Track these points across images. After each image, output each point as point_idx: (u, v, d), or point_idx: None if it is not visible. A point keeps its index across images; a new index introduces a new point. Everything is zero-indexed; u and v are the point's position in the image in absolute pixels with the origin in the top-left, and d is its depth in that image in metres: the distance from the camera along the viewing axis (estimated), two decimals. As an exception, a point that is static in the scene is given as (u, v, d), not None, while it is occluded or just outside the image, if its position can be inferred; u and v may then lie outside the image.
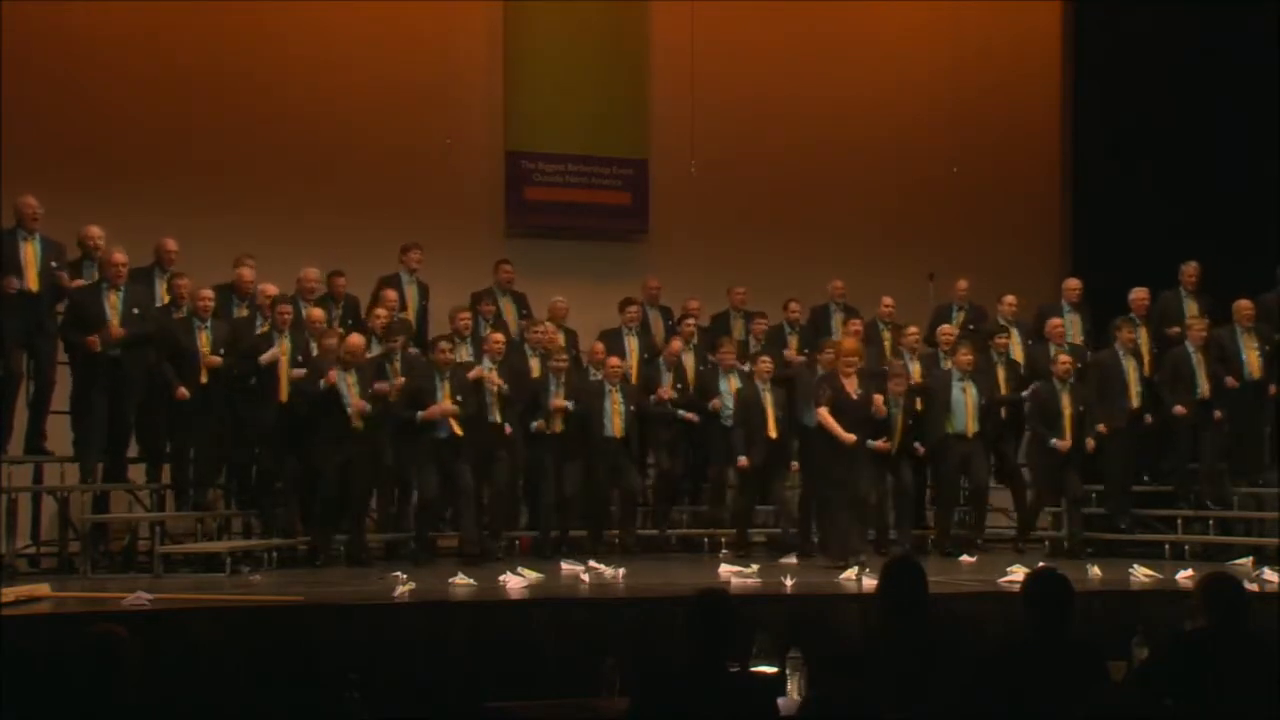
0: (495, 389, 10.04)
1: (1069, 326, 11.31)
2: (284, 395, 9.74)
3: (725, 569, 9.13)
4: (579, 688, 5.57)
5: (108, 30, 11.89)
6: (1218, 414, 10.49)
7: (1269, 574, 8.62)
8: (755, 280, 12.27)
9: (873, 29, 14.11)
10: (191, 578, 8.99)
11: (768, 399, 10.62)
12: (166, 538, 9.48)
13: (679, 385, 11.09)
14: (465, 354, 10.47)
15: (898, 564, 4.95)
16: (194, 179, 11.85)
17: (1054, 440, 10.36)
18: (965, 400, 10.56)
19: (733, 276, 12.34)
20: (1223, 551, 10.17)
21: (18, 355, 9.13)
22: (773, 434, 10.56)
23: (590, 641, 6.91)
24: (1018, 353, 11.28)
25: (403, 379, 9.98)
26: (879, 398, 9.97)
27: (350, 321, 10.66)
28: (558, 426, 10.46)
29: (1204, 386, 10.52)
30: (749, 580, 8.80)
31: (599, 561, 9.33)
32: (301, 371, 9.72)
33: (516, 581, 8.36)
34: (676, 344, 11.28)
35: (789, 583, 8.25)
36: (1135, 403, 10.69)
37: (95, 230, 9.69)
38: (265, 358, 9.69)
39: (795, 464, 10.68)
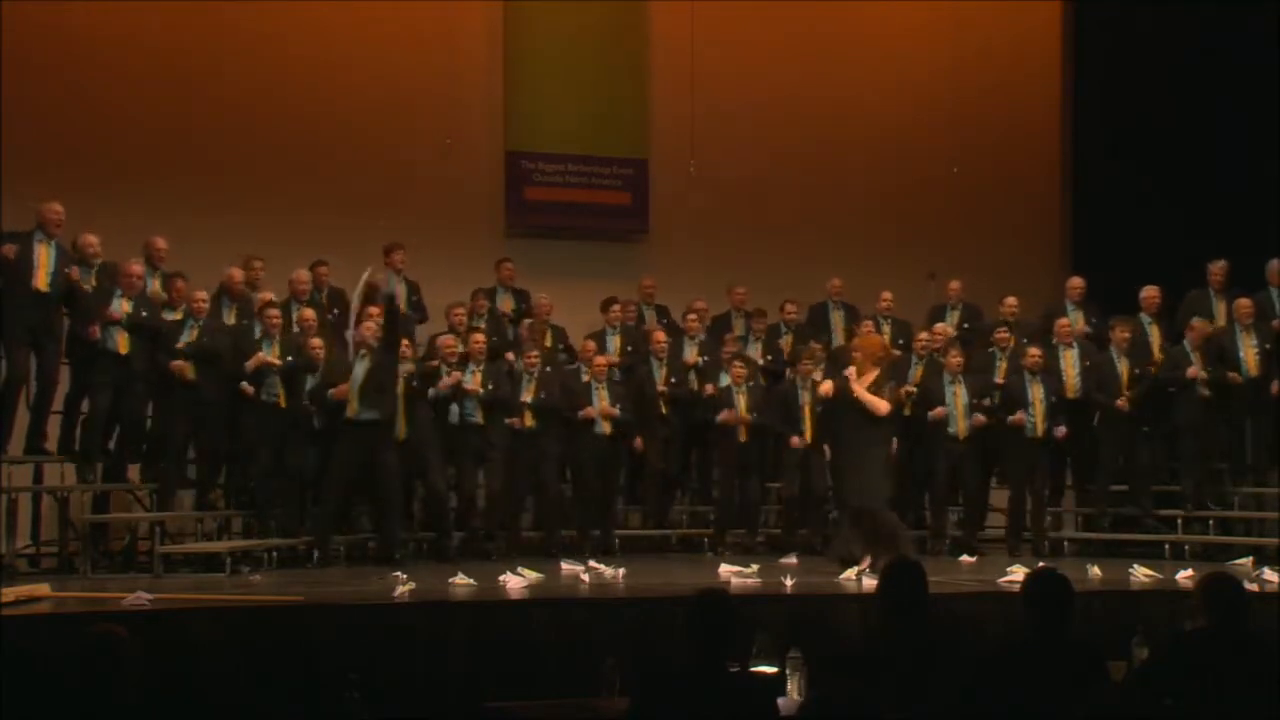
0: (476, 395, 10.21)
1: (1075, 325, 11.25)
2: (283, 400, 9.80)
3: (725, 569, 9.14)
4: (579, 688, 5.57)
5: (108, 30, 11.88)
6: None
7: (1269, 574, 8.63)
8: (755, 280, 12.29)
9: (873, 29, 14.10)
10: (191, 578, 9.00)
11: (741, 401, 10.75)
12: (166, 538, 9.49)
13: (673, 379, 11.16)
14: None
15: (898, 564, 4.96)
16: (194, 179, 11.84)
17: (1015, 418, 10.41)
18: (956, 402, 10.58)
19: (733, 276, 12.35)
20: (1223, 551, 10.18)
21: (23, 355, 9.12)
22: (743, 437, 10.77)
23: (590, 641, 6.92)
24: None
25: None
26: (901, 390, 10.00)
27: (336, 312, 10.68)
28: (529, 421, 10.50)
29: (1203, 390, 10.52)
30: (749, 580, 8.81)
31: (598, 561, 9.35)
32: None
33: (516, 581, 8.37)
34: (660, 335, 11.30)
35: (789, 583, 8.26)
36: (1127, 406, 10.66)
37: (92, 239, 9.61)
38: (250, 364, 9.69)
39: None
